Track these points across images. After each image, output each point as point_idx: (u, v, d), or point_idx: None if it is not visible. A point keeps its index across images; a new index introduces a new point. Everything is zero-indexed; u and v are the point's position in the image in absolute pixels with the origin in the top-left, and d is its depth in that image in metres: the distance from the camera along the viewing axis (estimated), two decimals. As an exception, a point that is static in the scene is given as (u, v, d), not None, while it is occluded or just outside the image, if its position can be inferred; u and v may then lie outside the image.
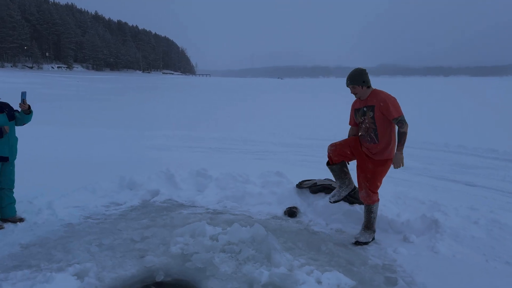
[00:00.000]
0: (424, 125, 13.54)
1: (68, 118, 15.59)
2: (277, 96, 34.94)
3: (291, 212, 4.93)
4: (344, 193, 4.31)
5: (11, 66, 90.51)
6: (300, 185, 5.39)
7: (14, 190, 4.61)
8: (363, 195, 4.19)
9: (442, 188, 6.20)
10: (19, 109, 4.55)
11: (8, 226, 4.36)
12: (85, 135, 11.15)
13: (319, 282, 3.26)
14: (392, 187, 5.77)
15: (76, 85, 43.66)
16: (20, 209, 4.69)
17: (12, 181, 4.57)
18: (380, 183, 4.20)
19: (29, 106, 4.56)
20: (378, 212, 4.59)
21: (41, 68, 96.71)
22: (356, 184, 4.40)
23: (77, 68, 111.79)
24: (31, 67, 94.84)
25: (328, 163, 4.33)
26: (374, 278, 3.45)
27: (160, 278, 3.45)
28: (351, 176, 4.36)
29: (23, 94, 4.49)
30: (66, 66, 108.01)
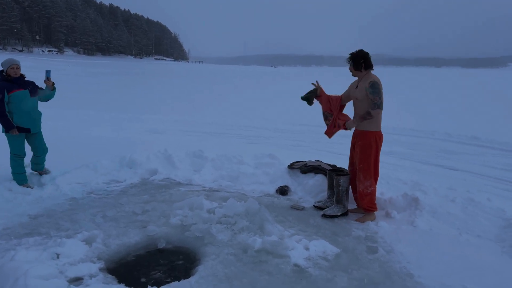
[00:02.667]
0: (413, 114, 13.95)
1: (64, 101, 15.69)
2: (270, 84, 35.12)
3: (283, 191, 5.25)
4: (338, 212, 4.53)
5: (1, 49, 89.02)
6: (291, 166, 5.71)
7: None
8: (361, 190, 4.46)
9: (425, 171, 6.59)
10: (44, 86, 5.11)
11: (16, 199, 4.62)
12: (82, 117, 11.34)
13: (307, 249, 3.60)
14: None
15: (68, 69, 43.34)
16: (31, 180, 4.96)
17: (43, 148, 5.35)
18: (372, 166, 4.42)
19: (53, 83, 5.07)
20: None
21: (32, 52, 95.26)
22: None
23: (68, 52, 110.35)
24: (21, 51, 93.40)
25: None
26: (357, 247, 3.80)
27: (162, 245, 3.76)
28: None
29: (48, 72, 5.01)
30: (57, 50, 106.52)
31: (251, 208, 4.11)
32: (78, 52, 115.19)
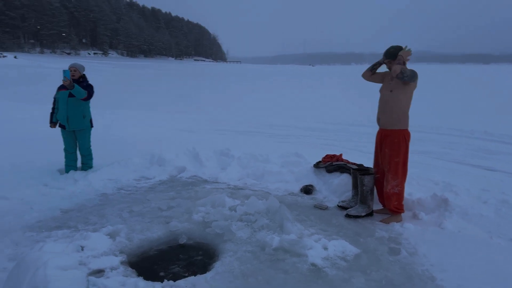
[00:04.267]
0: (453, 112, 13.39)
1: (105, 101, 16.35)
2: (306, 83, 34.85)
3: (307, 190, 5.22)
4: (362, 212, 4.45)
5: (50, 52, 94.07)
6: (317, 165, 5.65)
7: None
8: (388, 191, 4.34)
9: (459, 172, 6.31)
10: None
11: (50, 193, 4.88)
12: (120, 116, 11.77)
13: (325, 248, 3.55)
14: (408, 169, 5.93)
15: (112, 71, 45.10)
16: (60, 178, 5.22)
17: (85, 148, 5.76)
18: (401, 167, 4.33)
19: (70, 81, 5.28)
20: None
21: (79, 55, 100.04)
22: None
23: (112, 54, 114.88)
24: (69, 53, 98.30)
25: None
26: (378, 248, 3.71)
27: (183, 240, 3.84)
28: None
29: (65, 72, 5.27)
30: (102, 52, 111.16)
31: (272, 206, 4.11)
32: (122, 54, 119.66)
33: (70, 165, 5.71)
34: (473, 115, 13.51)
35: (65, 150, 5.68)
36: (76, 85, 5.34)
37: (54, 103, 5.66)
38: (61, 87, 5.54)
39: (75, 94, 5.39)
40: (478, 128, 10.11)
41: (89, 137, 5.78)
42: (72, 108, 5.50)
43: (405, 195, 4.78)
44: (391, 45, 4.36)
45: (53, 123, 5.67)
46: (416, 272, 3.26)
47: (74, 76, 5.50)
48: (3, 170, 5.27)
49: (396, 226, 4.22)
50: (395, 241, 3.86)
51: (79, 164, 5.88)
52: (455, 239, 3.89)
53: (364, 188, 4.46)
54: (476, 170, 6.61)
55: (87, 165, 5.85)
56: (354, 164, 5.39)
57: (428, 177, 5.39)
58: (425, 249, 3.67)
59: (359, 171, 4.69)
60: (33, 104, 13.50)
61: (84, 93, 5.45)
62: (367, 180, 4.47)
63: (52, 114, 5.67)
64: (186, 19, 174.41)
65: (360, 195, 4.50)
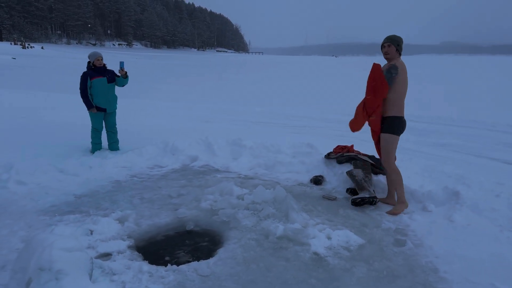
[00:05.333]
0: (477, 104, 13.01)
1: (125, 91, 16.63)
2: (326, 74, 34.46)
3: (317, 180, 5.21)
4: (365, 194, 4.43)
5: (76, 43, 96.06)
6: (328, 156, 5.63)
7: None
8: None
9: (476, 164, 6.16)
10: (119, 74, 6.14)
11: (66, 179, 5.05)
12: (140, 106, 11.98)
13: (329, 238, 3.56)
14: (422, 161, 5.86)
15: (136, 62, 45.73)
16: (75, 165, 5.39)
17: (114, 125, 6.31)
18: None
19: (125, 72, 6.05)
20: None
21: (103, 45, 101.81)
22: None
23: (136, 45, 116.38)
24: (94, 44, 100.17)
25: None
26: (384, 239, 3.69)
27: (190, 227, 3.93)
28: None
29: (121, 63, 6.02)
30: (126, 43, 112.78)
31: (279, 196, 4.14)
32: (145, 46, 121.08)
33: (97, 143, 6.22)
34: (498, 108, 13.11)
35: (95, 129, 6.15)
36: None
37: (86, 90, 5.92)
38: (93, 75, 5.92)
39: (125, 83, 6.15)
40: (501, 121, 9.80)
41: (115, 118, 6.37)
42: (111, 92, 6.13)
43: (416, 187, 4.73)
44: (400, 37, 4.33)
45: (93, 108, 6.01)
46: (419, 264, 3.24)
47: (101, 64, 6.03)
48: (26, 157, 5.47)
49: (404, 217, 4.18)
50: (402, 233, 3.84)
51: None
52: (464, 232, 3.82)
53: (356, 178, 4.62)
54: (493, 163, 6.44)
55: (115, 142, 6.35)
56: (366, 155, 5.35)
57: (442, 170, 5.28)
58: (432, 241, 3.63)
59: (358, 160, 4.86)
60: (57, 93, 13.88)
61: (128, 80, 6.21)
62: (356, 172, 4.74)
63: (88, 99, 5.94)
64: (209, 10, 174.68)
65: (356, 186, 4.59)
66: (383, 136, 4.29)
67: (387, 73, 4.10)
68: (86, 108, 6.08)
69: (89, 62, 6.02)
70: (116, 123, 6.38)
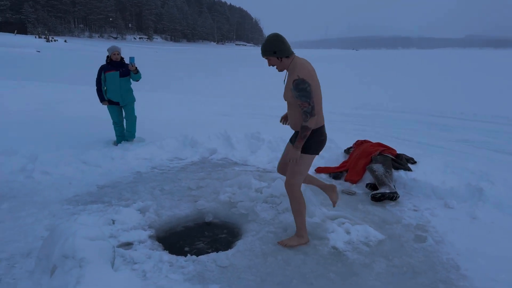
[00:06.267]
0: (498, 99, 12.64)
1: (148, 85, 16.81)
2: (344, 67, 34.06)
3: (336, 175, 5.18)
4: (386, 189, 4.40)
5: (98, 37, 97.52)
6: (347, 150, 5.58)
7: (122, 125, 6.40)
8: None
9: (499, 161, 6.00)
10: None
11: (89, 170, 5.16)
12: (161, 99, 12.10)
13: (347, 233, 3.54)
14: (444, 157, 5.75)
15: (156, 55, 46.16)
16: (98, 156, 5.50)
17: (130, 116, 6.28)
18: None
19: (136, 67, 6.03)
20: (422, 178, 4.73)
21: (125, 39, 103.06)
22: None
23: (157, 39, 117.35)
24: (116, 38, 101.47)
25: None
26: (404, 235, 3.65)
27: (209, 219, 3.97)
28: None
29: (131, 59, 5.99)
30: (146, 37, 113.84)
31: (297, 189, 4.13)
32: (166, 39, 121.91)
33: (120, 136, 6.36)
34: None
35: (115, 123, 6.29)
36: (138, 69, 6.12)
37: (100, 83, 6.03)
38: (107, 69, 5.99)
39: (138, 78, 6.15)
40: (526, 116, 9.51)
41: (134, 108, 6.37)
42: (124, 86, 6.11)
43: (438, 183, 4.65)
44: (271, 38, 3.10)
45: (105, 101, 6.09)
46: (440, 261, 3.19)
47: (117, 59, 6.06)
48: (50, 148, 5.60)
49: (425, 213, 4.12)
50: (422, 229, 3.78)
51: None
52: (487, 229, 3.75)
53: (376, 173, 4.59)
54: (518, 159, 6.27)
55: (131, 132, 6.40)
56: (392, 153, 5.22)
57: (465, 166, 5.17)
58: (453, 238, 3.58)
59: (381, 156, 4.78)
60: (80, 85, 14.14)
61: (140, 76, 6.18)
62: (376, 167, 4.67)
63: (101, 93, 6.05)
64: (228, 3, 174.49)
65: (376, 181, 4.56)
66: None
67: (298, 91, 2.92)
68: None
69: (107, 56, 6.11)
70: (135, 114, 6.40)
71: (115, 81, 6.00)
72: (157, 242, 3.43)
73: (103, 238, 2.76)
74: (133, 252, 3.13)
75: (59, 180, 4.76)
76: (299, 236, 3.37)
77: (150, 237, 3.48)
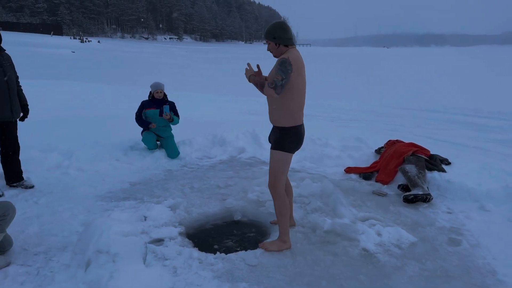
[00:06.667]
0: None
1: (174, 84, 17.09)
2: (377, 65, 33.42)
3: (366, 175, 5.09)
4: (419, 191, 4.29)
5: (130, 37, 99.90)
6: (379, 151, 5.48)
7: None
8: None
9: (541, 163, 5.72)
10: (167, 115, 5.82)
11: (122, 168, 5.30)
12: (191, 98, 12.26)
13: (379, 234, 3.48)
14: (481, 158, 5.55)
15: (187, 55, 46.81)
16: (130, 154, 5.63)
17: (174, 151, 5.85)
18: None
19: (170, 117, 5.79)
20: (457, 180, 4.59)
21: (155, 39, 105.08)
22: None
23: (187, 39, 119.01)
24: (147, 38, 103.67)
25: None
26: (437, 238, 3.55)
27: (238, 217, 3.99)
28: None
29: (165, 108, 5.78)
30: (177, 37, 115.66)
31: (326, 189, 4.11)
32: (195, 39, 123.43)
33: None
34: None
35: (149, 149, 5.91)
36: (174, 117, 5.90)
37: (140, 116, 5.84)
38: (148, 106, 5.84)
39: (175, 123, 5.97)
40: None
41: (174, 141, 5.96)
42: (163, 124, 5.92)
43: (474, 185, 4.49)
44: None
45: (151, 123, 5.80)
46: (475, 265, 3.08)
47: (160, 97, 5.89)
48: (85, 146, 5.78)
49: (459, 216, 4.00)
50: (457, 232, 3.67)
51: None
52: (526, 234, 3.59)
53: (409, 174, 4.48)
54: (562, 161, 5.95)
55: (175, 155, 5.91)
56: (425, 153, 5.10)
57: (502, 168, 4.97)
58: (489, 241, 3.45)
59: (414, 156, 4.67)
60: (114, 85, 14.54)
61: (178, 120, 6.00)
62: (408, 167, 4.56)
63: (143, 121, 5.83)
64: (257, 2, 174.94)
65: (409, 182, 4.45)
66: (272, 153, 3.21)
67: (280, 65, 2.94)
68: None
69: (150, 92, 5.95)
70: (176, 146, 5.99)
71: (155, 119, 5.85)
72: (187, 239, 3.47)
73: (136, 234, 2.83)
74: (164, 249, 3.18)
75: (93, 176, 4.91)
76: (282, 241, 3.24)
77: (180, 234, 3.53)
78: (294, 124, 3.13)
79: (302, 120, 3.24)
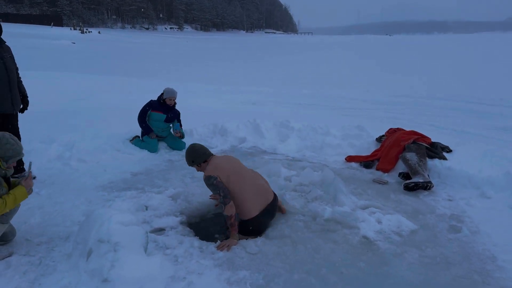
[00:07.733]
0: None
1: (178, 75, 17.02)
2: (376, 54, 33.18)
3: (367, 164, 5.09)
4: (419, 179, 4.30)
5: (131, 28, 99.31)
6: (379, 139, 5.47)
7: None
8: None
9: (542, 150, 5.69)
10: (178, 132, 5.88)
11: (123, 158, 5.31)
12: (190, 89, 12.22)
13: (379, 222, 3.49)
14: (482, 145, 5.53)
15: (188, 46, 46.53)
16: (131, 145, 5.63)
17: (179, 145, 5.85)
18: None
19: (180, 133, 5.83)
20: (458, 167, 4.58)
21: (156, 29, 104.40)
22: None
23: (187, 28, 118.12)
24: (147, 28, 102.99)
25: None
26: (438, 225, 3.56)
27: (238, 207, 4.00)
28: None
29: (176, 126, 5.88)
30: (177, 27, 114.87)
31: (327, 178, 4.10)
32: (196, 29, 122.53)
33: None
34: None
35: (150, 152, 5.66)
36: (183, 133, 5.88)
37: (144, 115, 5.72)
38: (155, 108, 5.70)
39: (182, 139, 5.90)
40: None
41: (181, 141, 5.93)
42: (163, 131, 5.88)
43: (475, 171, 4.49)
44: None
45: (153, 133, 5.72)
46: (475, 251, 3.10)
47: (171, 104, 5.77)
48: (86, 137, 5.77)
49: (460, 203, 4.01)
50: (457, 219, 3.68)
51: None
52: (526, 220, 3.60)
53: (410, 162, 4.50)
54: None
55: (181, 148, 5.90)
56: (426, 141, 5.08)
57: (504, 154, 4.95)
58: (489, 228, 3.47)
59: (414, 144, 4.69)
60: (115, 76, 14.49)
61: (184, 143, 5.85)
62: (409, 155, 4.56)
63: (146, 125, 5.70)
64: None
65: (409, 170, 4.46)
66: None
67: (208, 187, 3.29)
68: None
69: (161, 94, 5.79)
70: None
71: (159, 123, 5.76)
72: (188, 228, 3.49)
73: (137, 223, 2.85)
74: (165, 238, 3.20)
75: (95, 167, 4.92)
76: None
77: (181, 223, 3.55)
78: (246, 217, 3.32)
79: (258, 212, 3.33)
